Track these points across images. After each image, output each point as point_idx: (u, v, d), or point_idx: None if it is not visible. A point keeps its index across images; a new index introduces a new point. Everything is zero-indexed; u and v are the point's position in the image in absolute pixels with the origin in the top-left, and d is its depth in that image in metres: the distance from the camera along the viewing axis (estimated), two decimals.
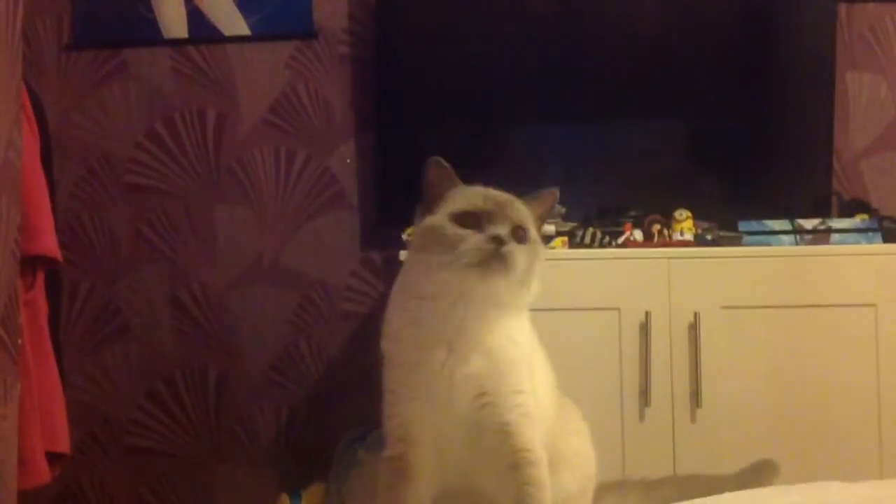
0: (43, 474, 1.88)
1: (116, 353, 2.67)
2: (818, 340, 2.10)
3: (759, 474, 1.47)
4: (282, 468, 2.63)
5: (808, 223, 2.25)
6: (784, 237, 2.24)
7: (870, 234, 2.23)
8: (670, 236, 2.25)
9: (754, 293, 2.12)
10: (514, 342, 1.26)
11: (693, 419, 2.09)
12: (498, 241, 1.19)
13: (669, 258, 2.14)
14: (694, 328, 2.09)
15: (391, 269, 2.55)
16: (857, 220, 2.29)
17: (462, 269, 1.19)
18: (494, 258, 1.19)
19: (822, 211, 2.38)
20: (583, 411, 1.47)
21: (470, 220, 1.23)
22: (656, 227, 2.27)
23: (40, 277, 1.96)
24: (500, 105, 2.52)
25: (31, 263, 1.89)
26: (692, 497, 1.37)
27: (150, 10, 2.65)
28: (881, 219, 2.29)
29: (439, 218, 1.24)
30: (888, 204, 2.53)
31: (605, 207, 2.39)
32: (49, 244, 1.94)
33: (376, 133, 2.60)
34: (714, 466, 1.87)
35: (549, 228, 2.25)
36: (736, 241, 2.23)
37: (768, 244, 2.22)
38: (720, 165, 2.50)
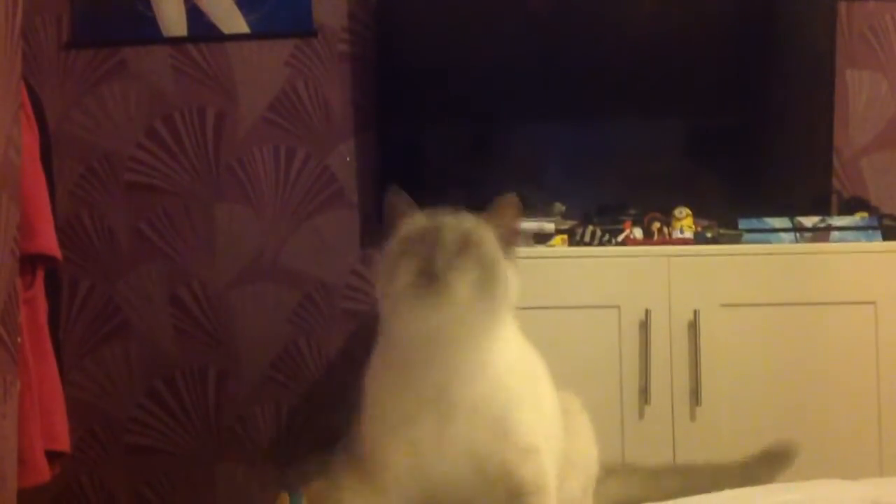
0: (43, 473, 1.87)
1: (116, 352, 2.67)
2: (818, 338, 2.11)
3: (770, 463, 1.45)
4: (282, 467, 2.63)
5: (808, 221, 2.25)
6: (784, 235, 2.24)
7: (869, 231, 2.24)
8: (670, 234, 2.25)
9: (754, 291, 2.12)
10: (507, 373, 1.17)
11: (693, 417, 2.09)
12: (426, 274, 1.10)
13: (669, 256, 2.14)
14: (694, 326, 2.09)
15: None
16: (857, 218, 2.29)
17: (407, 307, 1.12)
18: (428, 292, 1.10)
19: (822, 209, 2.38)
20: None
21: (414, 247, 1.15)
22: (656, 225, 2.27)
23: (40, 276, 1.95)
24: (499, 103, 2.51)
25: (30, 262, 1.89)
26: (695, 487, 1.37)
27: (150, 8, 2.65)
28: (881, 217, 2.29)
29: (386, 249, 1.19)
30: (888, 202, 2.53)
31: (605, 205, 2.39)
32: (48, 242, 1.94)
33: (376, 131, 2.60)
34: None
35: (549, 227, 2.26)
36: (736, 239, 2.23)
37: (768, 242, 2.22)
38: (720, 163, 2.50)
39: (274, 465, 2.63)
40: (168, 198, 2.68)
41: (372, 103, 2.61)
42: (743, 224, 2.26)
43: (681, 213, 2.26)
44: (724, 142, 2.51)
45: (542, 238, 2.24)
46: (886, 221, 2.26)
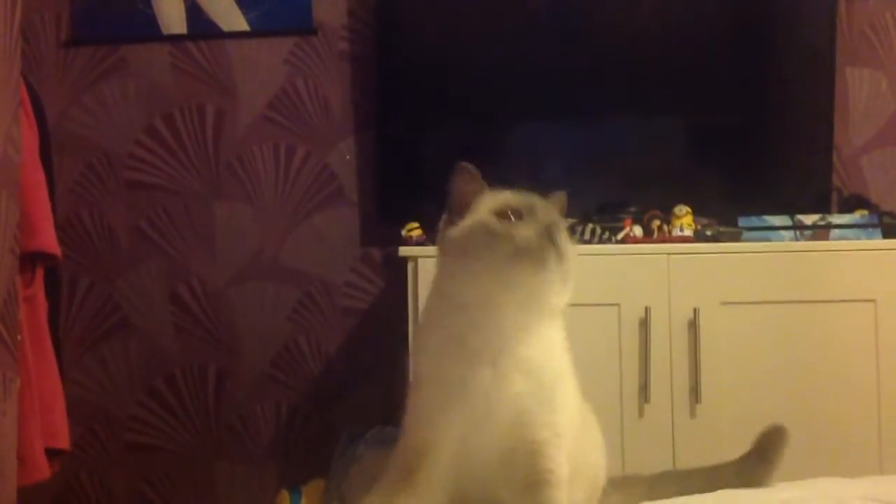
0: (43, 470, 1.88)
1: (116, 350, 2.67)
2: (818, 336, 2.11)
3: (764, 453, 1.44)
4: (282, 464, 2.63)
5: (808, 219, 2.25)
6: (784, 233, 2.23)
7: (870, 229, 2.23)
8: (670, 232, 2.25)
9: (754, 289, 2.12)
10: (555, 357, 1.22)
11: (692, 415, 2.09)
12: (550, 231, 1.15)
13: (669, 254, 2.14)
14: (694, 324, 2.09)
15: (391, 265, 2.56)
16: (857, 216, 2.29)
17: (515, 263, 1.14)
18: (548, 249, 1.15)
19: (822, 207, 2.38)
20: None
21: (509, 217, 1.18)
22: (656, 222, 2.27)
23: (40, 274, 1.95)
24: (499, 101, 2.51)
25: (30, 260, 1.89)
26: (694, 491, 1.37)
27: (149, 6, 2.65)
28: (881, 214, 2.29)
29: (482, 216, 1.19)
30: (888, 199, 2.53)
31: (605, 203, 2.38)
32: (48, 240, 1.94)
33: (376, 129, 2.60)
34: (713, 462, 1.87)
35: None
36: (735, 237, 2.23)
37: (768, 240, 2.22)
38: (720, 161, 2.50)
39: (274, 462, 2.63)
40: (168, 196, 2.68)
41: (371, 101, 2.61)
42: (743, 222, 2.26)
43: (681, 210, 2.26)
44: (724, 139, 2.50)
45: None
46: (886, 219, 2.26)
